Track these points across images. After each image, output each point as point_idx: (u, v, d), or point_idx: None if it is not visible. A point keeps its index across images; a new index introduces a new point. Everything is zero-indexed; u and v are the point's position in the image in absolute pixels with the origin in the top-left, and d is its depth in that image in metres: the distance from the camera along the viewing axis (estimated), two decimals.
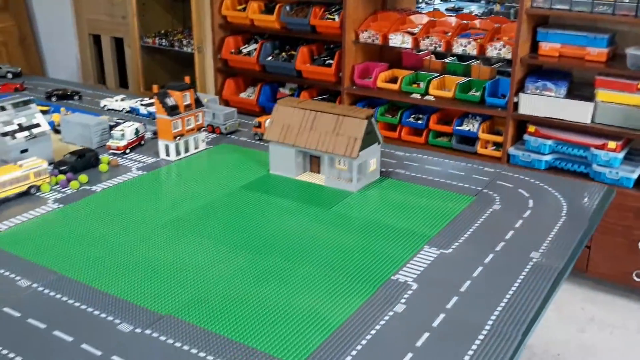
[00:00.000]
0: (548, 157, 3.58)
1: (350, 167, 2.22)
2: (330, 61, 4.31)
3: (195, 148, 2.61)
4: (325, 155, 2.26)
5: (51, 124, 2.74)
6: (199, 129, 2.59)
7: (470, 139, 3.87)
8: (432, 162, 2.59)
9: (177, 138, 2.50)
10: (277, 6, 4.40)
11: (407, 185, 2.32)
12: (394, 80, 4.18)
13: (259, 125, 2.77)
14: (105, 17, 5.60)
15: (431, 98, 3.92)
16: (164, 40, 4.99)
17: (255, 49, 4.62)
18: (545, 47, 3.54)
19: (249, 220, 2.02)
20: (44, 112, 2.85)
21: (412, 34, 3.96)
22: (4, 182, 2.11)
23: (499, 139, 3.74)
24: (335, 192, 2.23)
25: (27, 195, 2.19)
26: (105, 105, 3.18)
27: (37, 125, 2.39)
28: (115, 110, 3.14)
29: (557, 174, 3.54)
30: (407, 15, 4.21)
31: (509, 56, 3.61)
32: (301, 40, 4.51)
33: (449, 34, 3.87)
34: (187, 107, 2.51)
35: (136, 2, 4.96)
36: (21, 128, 2.35)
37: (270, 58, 4.51)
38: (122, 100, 3.15)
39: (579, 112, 3.43)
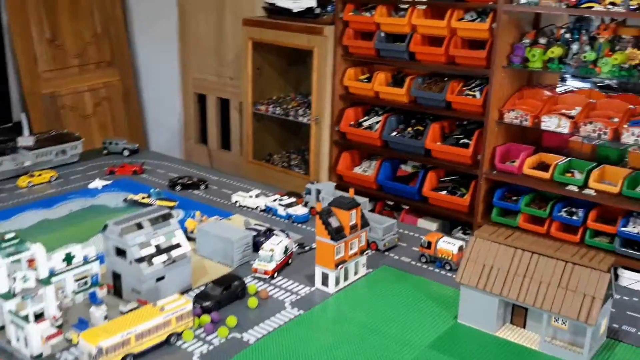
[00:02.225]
0: None
1: (576, 330, 1.65)
2: (466, 140, 3.76)
3: (355, 274, 2.09)
4: (545, 314, 1.69)
5: (182, 227, 2.29)
6: (362, 251, 2.08)
7: (636, 243, 3.21)
8: None
9: (339, 267, 1.99)
10: (408, 78, 3.90)
11: None
12: (541, 166, 3.58)
13: (428, 246, 2.23)
14: (213, 77, 5.25)
15: (592, 192, 3.29)
16: (277, 109, 4.56)
17: (377, 122, 4.13)
18: None
19: None
20: (170, 208, 2.42)
21: (569, 117, 3.37)
22: (143, 332, 1.64)
23: None
24: None
25: (166, 344, 1.71)
26: (237, 202, 2.72)
27: (177, 245, 1.93)
28: (249, 207, 2.67)
29: None
30: (558, 94, 3.62)
31: None
32: (429, 116, 3.99)
33: (615, 119, 3.26)
34: (353, 227, 2.00)
35: (252, 67, 4.57)
36: (159, 250, 1.89)
37: (394, 133, 4.00)
38: (257, 196, 2.69)
39: None
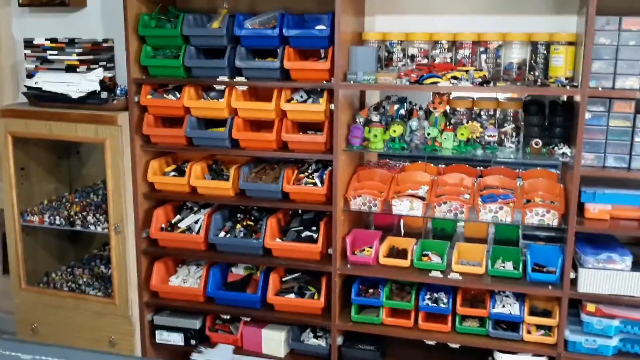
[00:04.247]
0: (615, 341, 2.88)
1: None
2: (309, 233, 3.27)
3: None
4: None
5: None
6: None
7: (509, 324, 3.05)
8: None
9: None
10: (233, 169, 3.29)
11: None
12: (395, 252, 3.27)
13: None
14: None
15: (457, 277, 3.05)
16: (56, 217, 3.54)
17: (196, 221, 3.42)
18: (594, 209, 2.90)
19: None
20: None
21: (419, 197, 3.11)
22: None
23: (549, 322, 2.96)
24: None
25: None
26: None
27: None
28: None
29: None
30: (395, 172, 3.36)
31: (554, 223, 2.90)
32: (254, 209, 3.44)
33: (466, 196, 3.08)
34: None
35: (14, 168, 3.49)
36: None
37: (222, 234, 3.34)
38: None
39: None
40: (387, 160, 3.62)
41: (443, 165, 3.47)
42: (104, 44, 3.66)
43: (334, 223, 3.12)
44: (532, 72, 3.07)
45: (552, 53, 2.96)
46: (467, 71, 2.93)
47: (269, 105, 3.09)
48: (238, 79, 3.12)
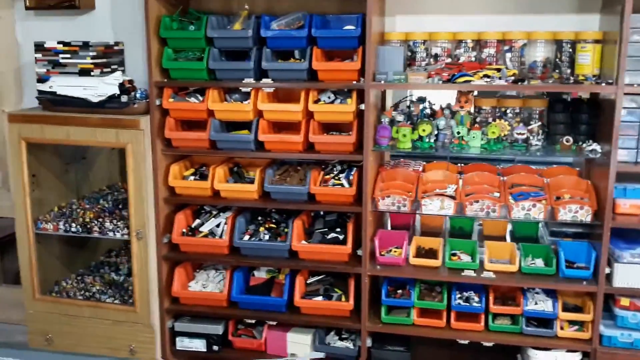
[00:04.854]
0: None
1: None
2: (335, 235, 3.23)
3: None
4: None
5: None
6: None
7: (541, 320, 3.05)
8: None
9: None
10: (259, 171, 3.23)
11: None
12: (423, 252, 3.25)
13: None
14: None
15: (491, 275, 3.04)
16: (72, 224, 3.43)
17: (218, 225, 3.36)
18: (625, 205, 2.91)
19: None
20: None
21: (449, 196, 3.09)
22: None
23: (585, 317, 2.97)
24: None
25: None
26: None
27: None
28: None
29: None
30: (417, 172, 3.33)
31: (587, 219, 2.92)
32: (282, 212, 3.39)
33: (496, 194, 3.08)
34: None
35: (28, 175, 3.37)
36: None
37: (247, 237, 3.28)
38: None
39: None
40: (403, 160, 3.59)
41: (461, 165, 3.46)
42: (115, 47, 3.57)
43: (364, 224, 3.09)
44: (556, 70, 3.08)
45: (579, 51, 2.97)
46: (498, 69, 2.92)
47: (297, 106, 3.05)
48: (264, 80, 3.06)
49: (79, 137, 3.23)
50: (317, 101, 3.08)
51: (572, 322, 3.02)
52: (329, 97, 3.09)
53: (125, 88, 3.23)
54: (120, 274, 3.72)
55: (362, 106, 2.96)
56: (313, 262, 3.22)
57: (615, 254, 2.89)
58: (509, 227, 3.47)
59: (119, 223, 3.41)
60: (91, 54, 3.36)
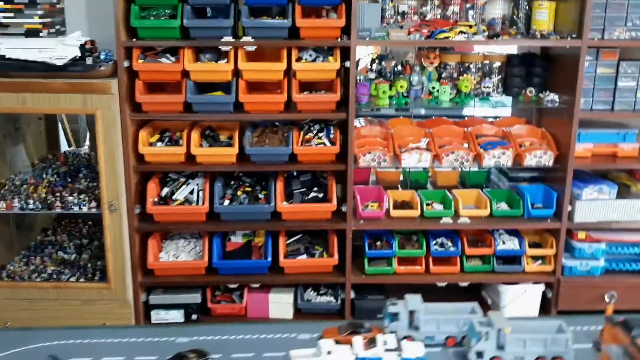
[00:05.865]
0: (602, 262, 3.28)
1: None
2: (315, 194, 3.26)
3: None
4: None
5: None
6: None
7: (510, 258, 3.33)
8: None
9: None
10: (236, 134, 3.15)
11: None
12: (400, 204, 3.38)
13: None
14: None
15: (467, 221, 3.25)
16: (30, 202, 3.11)
17: (192, 192, 3.25)
18: (579, 148, 3.24)
19: None
20: None
21: (425, 149, 3.24)
22: None
23: (549, 252, 3.28)
24: None
25: None
26: None
27: None
28: None
29: (613, 277, 3.28)
30: (387, 127, 3.44)
31: (550, 163, 3.20)
32: (253, 175, 3.35)
33: (465, 145, 3.27)
34: None
35: None
36: None
37: (227, 202, 3.21)
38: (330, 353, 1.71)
39: (632, 211, 3.22)
40: (366, 118, 3.68)
41: (420, 120, 3.62)
42: (58, 5, 3.26)
43: (349, 181, 3.14)
44: (513, 27, 3.30)
45: (536, 8, 3.21)
46: (469, 26, 3.07)
47: (280, 65, 3.00)
48: (245, 39, 2.97)
49: (38, 104, 2.93)
50: (298, 59, 3.05)
51: (535, 258, 3.33)
52: (310, 56, 3.07)
53: (87, 49, 2.98)
54: (68, 252, 3.48)
55: (347, 63, 2.98)
56: (295, 222, 3.23)
57: (574, 193, 3.21)
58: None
59: (81, 196, 3.17)
60: (39, 12, 3.03)
